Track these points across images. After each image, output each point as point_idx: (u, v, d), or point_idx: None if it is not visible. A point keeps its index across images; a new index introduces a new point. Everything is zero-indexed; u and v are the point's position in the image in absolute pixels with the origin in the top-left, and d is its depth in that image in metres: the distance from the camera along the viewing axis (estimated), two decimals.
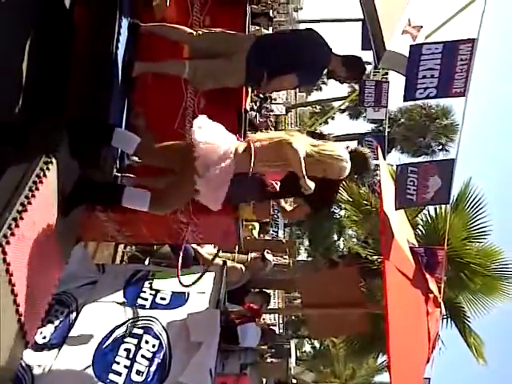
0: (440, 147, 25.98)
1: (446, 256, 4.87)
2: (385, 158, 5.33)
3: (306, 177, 3.59)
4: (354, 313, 4.63)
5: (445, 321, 7.63)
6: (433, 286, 4.55)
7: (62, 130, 3.61)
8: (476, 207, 7.52)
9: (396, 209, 4.36)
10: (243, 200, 4.51)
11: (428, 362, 4.58)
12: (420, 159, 23.17)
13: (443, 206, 7.32)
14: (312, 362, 23.67)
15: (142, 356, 3.88)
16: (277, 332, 14.13)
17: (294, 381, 19.25)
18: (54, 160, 3.40)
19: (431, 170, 4.20)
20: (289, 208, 4.43)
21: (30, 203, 3.18)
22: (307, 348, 29.08)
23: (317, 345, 25.49)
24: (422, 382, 4.84)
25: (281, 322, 19.29)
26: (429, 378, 4.96)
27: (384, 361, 15.80)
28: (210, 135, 3.59)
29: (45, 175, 3.32)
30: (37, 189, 3.25)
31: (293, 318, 23.02)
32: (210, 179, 3.52)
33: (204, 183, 3.54)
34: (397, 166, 4.37)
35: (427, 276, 4.52)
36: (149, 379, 3.75)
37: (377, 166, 5.22)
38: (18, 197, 3.14)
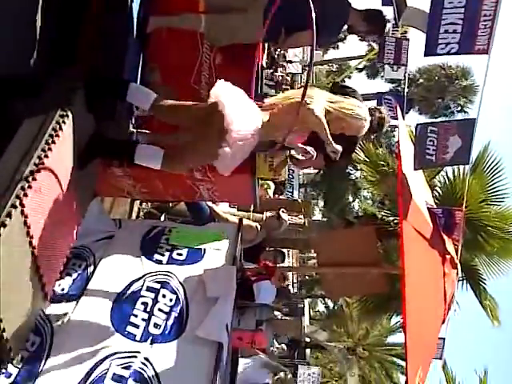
0: (458, 108, 25.60)
1: (464, 218, 4.82)
2: (404, 118, 5.24)
3: (332, 142, 3.59)
4: (370, 272, 4.62)
5: (460, 283, 7.64)
6: (450, 247, 4.52)
7: (78, 84, 3.58)
8: (494, 170, 7.45)
9: (415, 169, 4.30)
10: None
11: (443, 322, 4.59)
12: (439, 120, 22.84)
13: (461, 168, 7.26)
14: (325, 322, 23.92)
15: (160, 310, 3.93)
16: (291, 291, 14.28)
17: (308, 339, 19.54)
18: (69, 113, 3.40)
19: (451, 130, 4.12)
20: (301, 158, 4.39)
21: (46, 156, 3.19)
22: (321, 308, 29.39)
23: (330, 304, 25.73)
24: (436, 342, 4.87)
25: (295, 281, 19.46)
26: (443, 338, 4.98)
27: (398, 321, 15.99)
28: (240, 110, 3.56)
29: (61, 128, 3.31)
30: (53, 142, 3.25)
31: (307, 277, 23.22)
32: (234, 151, 3.53)
33: (227, 153, 3.53)
34: (416, 125, 4.29)
35: (444, 237, 4.48)
36: (166, 332, 3.79)
37: (395, 126, 5.15)
38: (34, 150, 3.15)
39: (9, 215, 2.92)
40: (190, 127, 3.81)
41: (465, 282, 7.79)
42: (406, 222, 3.98)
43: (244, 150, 3.63)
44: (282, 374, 7.62)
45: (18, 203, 2.97)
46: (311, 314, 24.92)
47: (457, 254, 4.56)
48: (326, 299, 25.18)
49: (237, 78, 3.83)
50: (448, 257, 4.42)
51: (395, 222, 7.40)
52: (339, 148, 3.60)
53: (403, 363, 4.45)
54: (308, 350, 20.15)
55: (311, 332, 19.77)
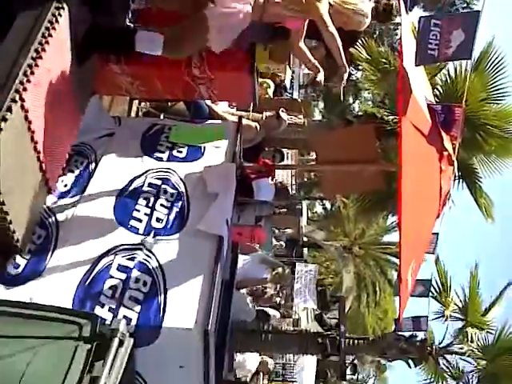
0: (464, 5, 24.71)
1: (463, 116, 4.81)
2: (407, 14, 5.09)
3: (343, 58, 3.56)
4: (368, 169, 4.67)
5: (457, 182, 7.75)
6: (448, 144, 4.55)
7: None
8: (497, 68, 7.32)
9: (416, 65, 4.23)
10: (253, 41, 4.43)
11: (437, 217, 4.71)
12: None
13: (463, 66, 7.14)
14: (323, 222, 24.42)
15: (161, 205, 4.02)
16: (290, 192, 14.45)
17: (305, 239, 20.03)
18: (65, 5, 3.31)
19: (454, 23, 4.02)
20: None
21: (43, 50, 3.15)
22: (318, 209, 29.85)
23: (328, 206, 26.16)
24: (430, 237, 5.02)
25: (293, 183, 19.65)
26: (437, 234, 5.12)
27: (393, 221, 16.35)
28: None
29: (57, 21, 3.25)
30: (50, 35, 3.19)
31: (305, 179, 23.45)
32: (220, 24, 3.46)
33: (216, 17, 3.50)
34: (419, 18, 4.18)
35: (443, 134, 4.49)
36: (168, 226, 3.90)
37: (398, 24, 5.01)
38: (31, 44, 3.10)
39: (9, 109, 2.92)
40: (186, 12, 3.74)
41: (461, 180, 7.89)
42: (404, 119, 3.98)
43: (232, 24, 3.56)
44: (279, 270, 7.89)
45: (17, 98, 2.96)
46: (309, 215, 25.39)
47: (454, 152, 4.59)
48: (324, 201, 25.58)
49: None
50: (445, 154, 4.45)
51: (394, 121, 7.37)
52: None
53: (398, 261, 4.68)
54: (305, 249, 20.71)
55: (309, 232, 20.27)
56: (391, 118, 7.67)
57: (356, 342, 6.52)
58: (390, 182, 5.41)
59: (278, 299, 11.21)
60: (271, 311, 8.62)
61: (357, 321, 21.33)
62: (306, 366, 15.77)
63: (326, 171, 4.96)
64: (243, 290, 8.08)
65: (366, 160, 4.58)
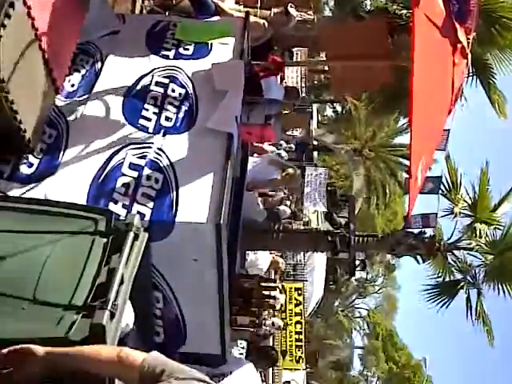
0: None
1: (478, 7, 4.63)
2: None
3: None
4: (379, 65, 4.57)
5: (470, 78, 7.57)
6: (462, 36, 4.40)
7: None
8: None
9: None
10: None
11: (449, 113, 4.64)
12: None
13: None
14: (333, 125, 24.23)
15: (170, 103, 4.00)
16: (300, 93, 14.24)
17: (315, 142, 19.97)
18: None
19: None
20: None
21: None
22: (329, 112, 29.52)
23: (339, 109, 25.85)
24: (441, 134, 4.97)
25: (303, 86, 19.33)
26: (448, 130, 5.07)
27: (404, 123, 16.17)
28: None
29: None
30: None
31: (315, 82, 23.03)
32: None
33: None
34: None
35: (457, 26, 4.34)
36: (177, 124, 3.90)
37: None
38: None
39: (12, 5, 2.86)
40: None
41: (475, 77, 7.70)
42: (417, 10, 3.83)
43: None
44: (290, 170, 7.92)
45: None
46: (319, 119, 25.17)
47: (468, 44, 4.46)
48: (335, 104, 25.23)
49: None
50: (459, 46, 4.32)
51: (407, 15, 7.12)
52: None
53: (408, 163, 4.65)
54: (315, 153, 20.70)
55: (319, 135, 20.18)
56: (404, 12, 7.40)
57: (365, 239, 6.64)
58: (401, 79, 5.29)
59: (288, 203, 11.34)
60: (281, 207, 8.73)
61: (366, 222, 21.69)
62: (316, 265, 16.23)
63: (336, 68, 4.86)
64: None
65: (377, 55, 4.48)
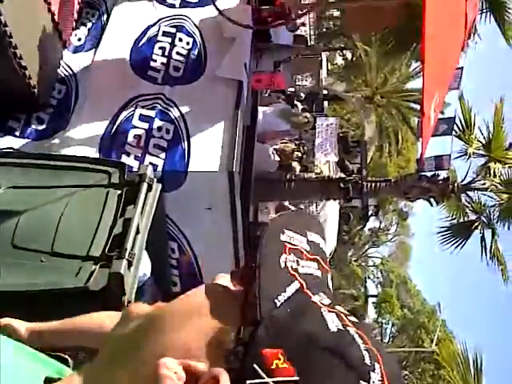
0: None
1: None
2: None
3: None
4: (391, 4, 4.46)
5: (484, 15, 7.34)
6: None
7: None
8: None
9: None
10: None
11: (462, 49, 4.52)
12: None
13: None
14: (343, 73, 23.83)
15: (178, 53, 3.95)
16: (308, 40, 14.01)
17: (325, 92, 19.72)
18: None
19: None
20: None
21: None
22: (339, 61, 29.06)
23: (349, 56, 25.37)
24: (454, 71, 4.85)
25: (312, 34, 18.96)
26: (462, 68, 4.96)
27: (416, 67, 15.86)
28: None
29: None
30: None
31: (324, 30, 22.58)
32: None
33: None
34: None
35: None
36: (186, 74, 3.86)
37: None
38: None
39: None
40: None
41: (488, 13, 7.46)
42: None
43: None
44: (301, 118, 7.86)
45: None
46: (329, 68, 24.76)
47: None
48: (344, 51, 24.75)
49: None
50: None
51: None
52: None
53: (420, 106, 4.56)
54: (326, 103, 20.44)
55: (329, 84, 19.89)
56: None
57: (378, 184, 6.61)
58: (413, 17, 5.16)
59: (299, 154, 11.28)
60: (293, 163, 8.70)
61: (379, 171, 21.55)
62: (329, 216, 16.25)
63: (348, 8, 4.74)
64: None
65: None
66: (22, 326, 1.77)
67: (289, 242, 0.99)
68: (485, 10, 7.24)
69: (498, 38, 7.83)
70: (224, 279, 1.19)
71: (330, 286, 1.03)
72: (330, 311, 0.88)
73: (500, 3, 7.38)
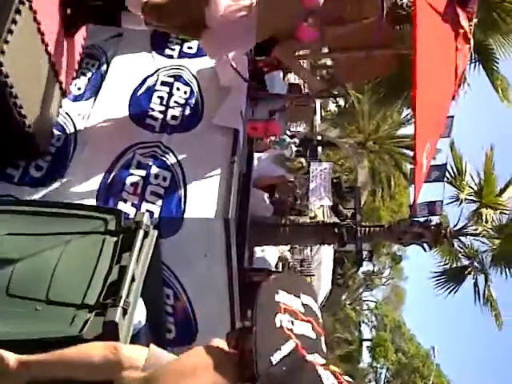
0: None
1: None
2: None
3: None
4: (382, 54, 4.57)
5: (473, 65, 7.54)
6: (464, 21, 4.39)
7: None
8: None
9: None
10: None
11: (453, 99, 4.63)
12: None
13: None
14: (337, 120, 24.15)
15: (175, 102, 4.03)
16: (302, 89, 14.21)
17: (319, 137, 19.93)
18: None
19: None
20: None
21: None
22: (332, 107, 29.48)
23: (342, 103, 25.77)
24: (445, 120, 4.96)
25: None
26: (452, 117, 5.06)
27: (408, 114, 16.12)
28: None
29: None
30: None
31: (318, 78, 22.95)
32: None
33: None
34: None
35: (458, 11, 4.33)
36: (184, 122, 3.94)
37: None
38: None
39: (18, 11, 2.88)
40: None
41: (477, 63, 7.67)
42: None
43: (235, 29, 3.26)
44: (297, 162, 7.95)
45: None
46: (322, 114, 25.10)
47: (470, 30, 4.45)
48: (338, 98, 25.12)
49: None
50: (461, 31, 4.31)
51: (408, 4, 7.09)
52: None
53: (413, 154, 4.64)
54: (319, 148, 20.64)
55: (322, 130, 20.12)
56: (405, 1, 7.36)
57: (372, 229, 6.65)
58: (405, 68, 5.29)
59: (296, 193, 11.33)
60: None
61: (372, 215, 21.63)
62: (324, 260, 16.22)
63: (340, 58, 4.84)
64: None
65: (381, 44, 4.47)
66: (11, 357, 1.80)
67: (283, 303, 1.01)
68: (474, 60, 7.45)
69: (487, 86, 8.03)
70: (218, 342, 1.20)
71: (324, 349, 1.05)
72: (325, 369, 0.90)
73: (488, 54, 7.59)
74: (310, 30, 3.41)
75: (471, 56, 6.65)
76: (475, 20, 4.65)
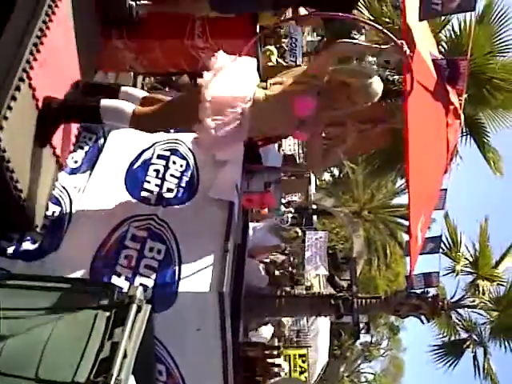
0: None
1: (469, 70, 4.79)
2: None
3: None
4: (375, 129, 4.68)
5: (464, 138, 7.72)
6: (454, 98, 4.54)
7: None
8: (501, 20, 7.23)
9: (420, 20, 4.22)
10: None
11: (445, 172, 4.72)
12: None
13: (467, 20, 7.06)
14: (331, 189, 24.39)
15: (171, 175, 4.07)
16: (297, 159, 14.45)
17: (314, 206, 20.04)
18: None
19: None
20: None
21: (48, 28, 3.18)
22: (326, 177, 29.83)
23: (336, 173, 26.11)
24: (438, 193, 5.03)
25: (301, 151, 19.59)
26: (445, 189, 5.14)
27: (402, 184, 16.35)
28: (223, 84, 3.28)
29: None
30: (53, 13, 3.22)
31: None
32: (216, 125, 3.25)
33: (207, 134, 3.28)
34: None
35: (448, 88, 4.48)
36: (179, 195, 3.96)
37: None
38: (35, 22, 3.12)
39: (18, 88, 2.96)
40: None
41: (469, 136, 7.86)
42: (409, 76, 3.97)
43: (228, 130, 3.26)
44: (297, 229, 7.99)
45: (25, 76, 3.00)
46: (317, 183, 25.36)
47: (460, 105, 4.59)
48: (332, 168, 25.49)
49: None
50: (451, 107, 4.45)
51: (399, 80, 7.34)
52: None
53: (407, 223, 4.69)
54: (315, 217, 20.73)
55: (317, 199, 20.27)
56: (396, 77, 7.61)
57: (368, 301, 6.61)
58: (397, 142, 5.40)
59: (289, 267, 11.29)
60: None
61: (368, 284, 21.48)
62: (320, 331, 15.97)
63: (333, 133, 4.95)
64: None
65: (373, 119, 4.59)
66: None
67: None
68: (466, 134, 7.63)
69: (479, 160, 8.17)
70: None
71: None
72: None
73: (479, 127, 7.79)
74: (303, 134, 3.45)
75: (463, 129, 6.82)
76: (465, 95, 4.79)
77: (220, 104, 3.23)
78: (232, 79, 3.33)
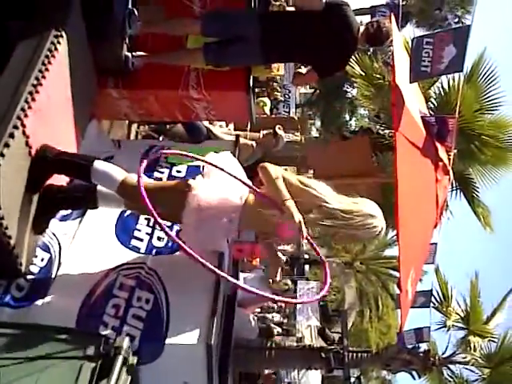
0: (456, 20, 25.06)
1: (457, 128, 4.90)
2: (399, 29, 5.18)
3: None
4: (365, 182, 4.74)
5: (454, 192, 7.81)
6: (443, 154, 4.62)
7: (71, 4, 3.56)
8: (489, 79, 7.43)
9: (411, 82, 4.33)
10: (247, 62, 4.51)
11: (435, 227, 4.76)
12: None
13: (456, 79, 7.26)
14: (323, 239, 24.34)
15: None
16: None
17: (306, 256, 19.98)
18: (64, 34, 3.41)
19: (446, 39, 4.12)
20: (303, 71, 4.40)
21: (44, 77, 3.23)
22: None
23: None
24: (429, 248, 5.07)
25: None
26: (436, 244, 5.17)
27: (393, 236, 16.39)
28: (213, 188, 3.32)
29: (56, 49, 3.34)
30: (49, 63, 3.28)
31: None
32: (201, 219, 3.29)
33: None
34: (412, 39, 4.29)
35: (437, 145, 4.57)
36: (169, 244, 3.95)
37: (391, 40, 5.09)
38: (31, 71, 3.19)
39: (11, 136, 2.98)
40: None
41: (458, 191, 7.95)
42: (398, 133, 4.06)
43: (213, 225, 3.33)
44: (282, 284, 7.93)
45: (19, 124, 3.03)
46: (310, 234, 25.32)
47: (449, 162, 4.66)
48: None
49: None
50: (440, 164, 4.52)
51: (390, 134, 7.46)
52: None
53: (398, 274, 4.70)
54: (307, 267, 20.66)
55: (309, 249, 20.22)
56: (387, 131, 7.75)
57: (359, 355, 6.54)
58: (387, 195, 5.47)
59: (280, 318, 11.18)
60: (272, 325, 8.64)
61: (360, 336, 21.24)
62: (311, 383, 15.68)
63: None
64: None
65: (363, 173, 4.65)
66: None
67: None
68: (455, 188, 7.72)
69: (469, 214, 8.23)
70: None
71: None
72: None
73: (468, 182, 7.89)
74: (290, 231, 3.34)
75: (452, 184, 6.90)
76: (455, 151, 4.87)
77: (207, 210, 3.25)
78: (222, 184, 3.37)
